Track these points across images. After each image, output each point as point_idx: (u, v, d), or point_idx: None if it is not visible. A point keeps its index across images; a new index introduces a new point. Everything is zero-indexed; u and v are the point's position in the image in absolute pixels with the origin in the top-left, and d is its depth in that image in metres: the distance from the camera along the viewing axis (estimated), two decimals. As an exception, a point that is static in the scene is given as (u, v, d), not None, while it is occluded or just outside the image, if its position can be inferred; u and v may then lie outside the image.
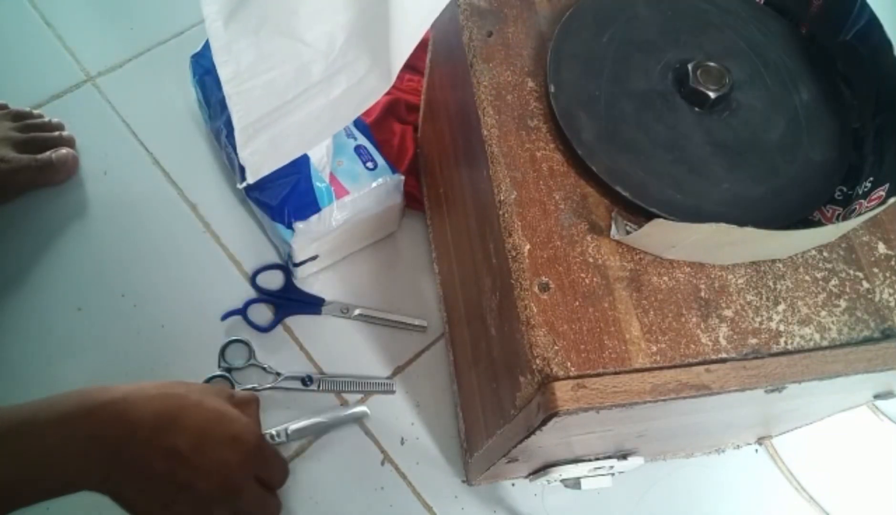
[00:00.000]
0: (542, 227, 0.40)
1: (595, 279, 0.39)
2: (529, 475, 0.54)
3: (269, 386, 0.61)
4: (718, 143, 0.44)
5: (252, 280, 0.65)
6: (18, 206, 0.66)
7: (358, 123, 0.65)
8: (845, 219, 0.42)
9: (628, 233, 0.40)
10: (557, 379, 0.36)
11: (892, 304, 0.41)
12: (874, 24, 0.44)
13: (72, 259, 0.64)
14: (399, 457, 0.61)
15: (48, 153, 0.66)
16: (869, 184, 0.43)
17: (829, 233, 0.41)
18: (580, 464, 0.50)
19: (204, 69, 0.67)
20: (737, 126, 0.45)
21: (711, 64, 0.45)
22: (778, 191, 0.44)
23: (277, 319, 0.64)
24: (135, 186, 0.69)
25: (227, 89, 0.35)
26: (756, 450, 0.66)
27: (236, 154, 0.51)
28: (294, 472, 0.59)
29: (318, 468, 0.60)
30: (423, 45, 0.44)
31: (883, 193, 0.41)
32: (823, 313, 0.40)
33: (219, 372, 0.61)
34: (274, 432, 0.58)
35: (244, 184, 0.47)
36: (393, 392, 0.63)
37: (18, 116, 0.68)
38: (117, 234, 0.66)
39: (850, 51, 0.47)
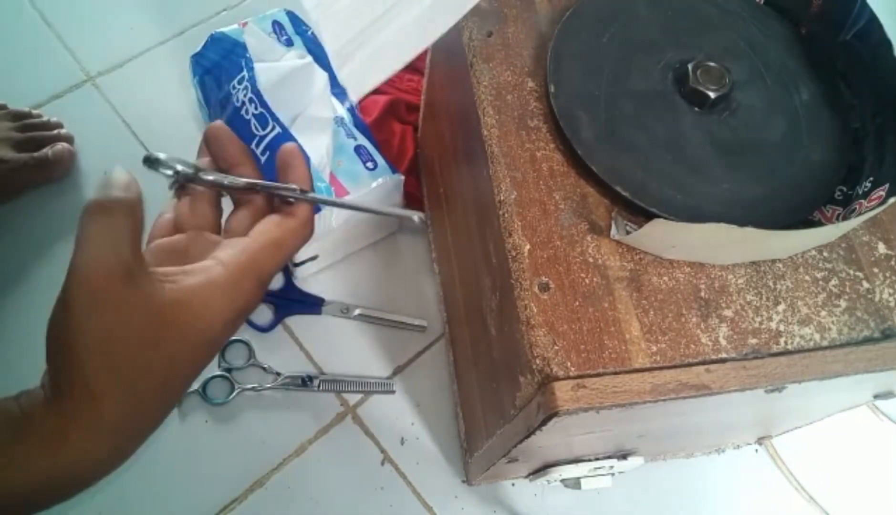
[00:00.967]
0: (542, 227, 0.40)
1: (595, 279, 0.39)
2: (529, 475, 0.54)
3: (269, 386, 0.61)
4: (718, 143, 0.44)
5: (252, 280, 0.65)
6: (18, 206, 0.66)
7: (358, 123, 0.65)
8: (845, 219, 0.42)
9: (628, 232, 0.40)
10: (557, 379, 0.36)
11: (892, 304, 0.41)
12: (874, 24, 0.44)
13: (72, 259, 0.64)
14: (399, 457, 0.61)
15: (45, 150, 0.66)
16: (869, 184, 0.43)
17: (829, 233, 0.41)
18: (580, 464, 0.50)
19: (204, 69, 0.67)
20: (737, 126, 0.45)
21: (711, 64, 0.45)
22: (778, 191, 0.44)
23: (277, 319, 0.64)
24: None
25: (314, 16, 0.36)
26: (756, 450, 0.66)
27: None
28: (294, 472, 0.59)
29: (318, 468, 0.60)
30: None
31: (883, 193, 0.41)
32: (823, 313, 0.40)
33: (219, 372, 0.61)
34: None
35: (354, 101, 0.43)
36: (393, 392, 0.63)
37: (17, 116, 0.68)
38: (117, 234, 0.66)
39: (850, 51, 0.47)
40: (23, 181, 0.66)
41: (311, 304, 0.65)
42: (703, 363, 0.38)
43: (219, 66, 0.66)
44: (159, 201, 0.35)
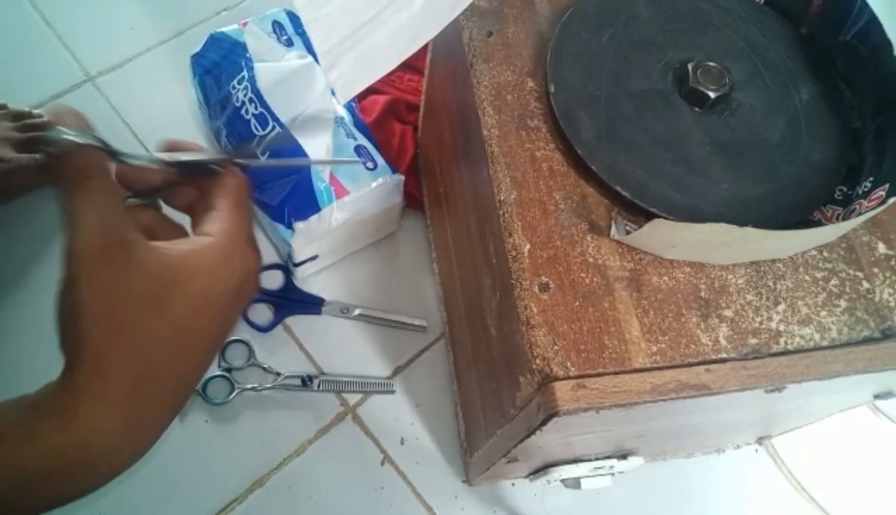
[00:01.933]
0: (542, 227, 0.40)
1: (595, 279, 0.39)
2: (529, 475, 0.54)
3: (269, 385, 0.61)
4: (718, 143, 0.44)
5: (252, 280, 0.65)
6: (18, 206, 0.66)
7: (358, 123, 0.65)
8: (845, 219, 0.42)
9: (628, 232, 0.40)
10: (557, 379, 0.36)
11: (892, 304, 0.41)
12: (874, 24, 0.44)
13: (72, 259, 0.64)
14: (399, 457, 0.61)
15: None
16: (869, 184, 0.43)
17: (829, 233, 0.41)
18: (580, 464, 0.50)
19: (204, 69, 0.67)
20: (736, 126, 0.45)
21: (711, 64, 0.45)
22: (778, 191, 0.44)
23: (277, 319, 0.64)
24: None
25: (304, 17, 0.35)
26: (756, 450, 0.66)
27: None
28: (294, 472, 0.59)
29: (317, 468, 0.60)
30: (423, 45, 0.45)
31: (883, 193, 0.41)
32: (823, 313, 0.40)
33: (219, 372, 0.61)
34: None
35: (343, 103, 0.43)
36: (393, 392, 0.63)
37: (18, 116, 0.68)
38: (117, 234, 0.66)
39: (850, 51, 0.47)
40: (23, 181, 0.66)
41: (311, 304, 0.65)
42: (703, 363, 0.38)
43: (219, 66, 0.66)
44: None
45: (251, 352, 0.62)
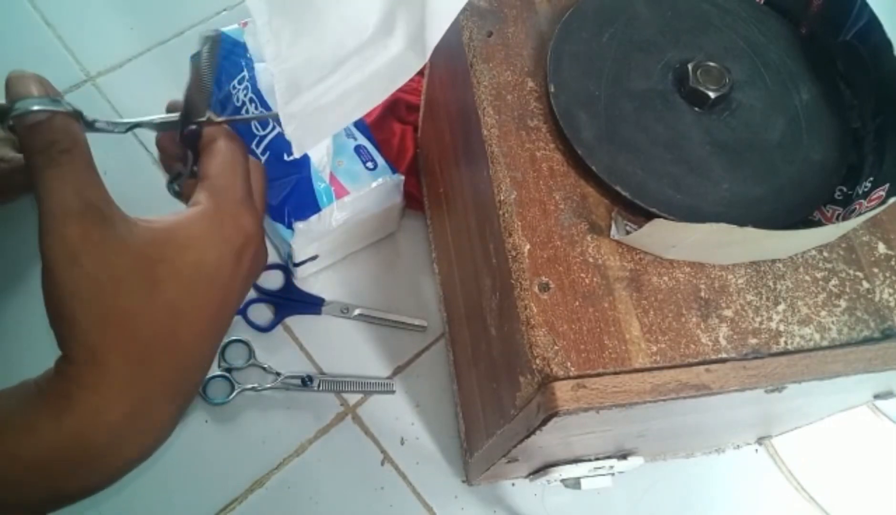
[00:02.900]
0: (542, 227, 0.40)
1: (595, 279, 0.39)
2: (529, 475, 0.54)
3: (269, 385, 0.61)
4: (718, 143, 0.44)
5: (252, 280, 0.65)
6: (18, 206, 0.66)
7: (358, 123, 0.65)
8: (845, 219, 0.42)
9: (628, 232, 0.40)
10: (557, 379, 0.36)
11: (892, 304, 0.41)
12: (874, 24, 0.44)
13: (72, 259, 0.64)
14: (399, 457, 0.61)
15: None
16: (869, 184, 0.43)
17: (829, 233, 0.41)
18: (580, 464, 0.50)
19: (204, 69, 0.67)
20: (736, 126, 0.45)
21: (711, 64, 0.45)
22: (778, 191, 0.44)
23: (277, 319, 0.64)
24: (135, 186, 0.69)
25: (272, 67, 0.36)
26: (756, 450, 0.66)
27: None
28: (294, 472, 0.59)
29: (317, 468, 0.60)
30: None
31: (883, 193, 0.41)
32: (823, 313, 0.40)
33: (219, 372, 0.61)
34: None
35: (291, 158, 0.45)
36: (393, 392, 0.63)
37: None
38: (117, 234, 0.66)
39: (850, 51, 0.47)
40: (23, 181, 0.66)
41: (311, 304, 0.65)
42: (703, 363, 0.38)
43: (219, 66, 0.66)
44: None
45: (251, 352, 0.62)
